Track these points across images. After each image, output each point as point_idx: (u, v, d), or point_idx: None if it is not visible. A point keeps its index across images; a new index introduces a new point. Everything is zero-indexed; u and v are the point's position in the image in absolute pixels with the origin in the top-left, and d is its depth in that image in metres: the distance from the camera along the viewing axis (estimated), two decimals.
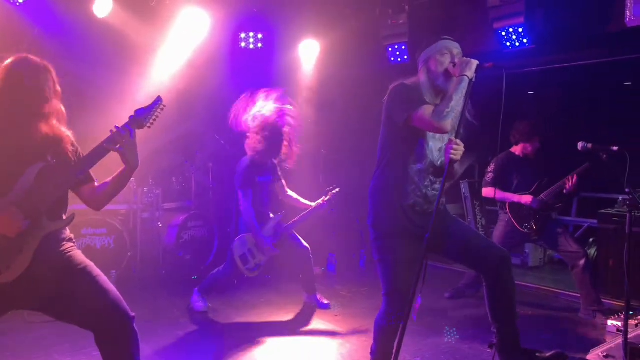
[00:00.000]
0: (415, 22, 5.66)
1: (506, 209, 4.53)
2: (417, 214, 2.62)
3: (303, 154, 6.10)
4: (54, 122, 2.24)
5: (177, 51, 5.81)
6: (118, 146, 2.25)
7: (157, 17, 5.56)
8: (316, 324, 4.19)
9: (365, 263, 6.12)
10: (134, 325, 2.27)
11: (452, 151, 2.43)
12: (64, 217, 2.31)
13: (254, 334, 3.93)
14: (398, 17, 5.75)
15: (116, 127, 2.26)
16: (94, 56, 5.34)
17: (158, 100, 2.41)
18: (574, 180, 4.27)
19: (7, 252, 2.09)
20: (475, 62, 2.47)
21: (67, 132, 2.32)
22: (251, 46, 6.21)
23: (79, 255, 2.31)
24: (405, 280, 2.51)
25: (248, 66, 6.39)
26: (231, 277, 4.42)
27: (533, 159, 4.60)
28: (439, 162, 2.67)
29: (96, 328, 2.23)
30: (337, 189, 4.48)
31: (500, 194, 4.49)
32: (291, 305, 4.62)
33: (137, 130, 2.32)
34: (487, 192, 4.58)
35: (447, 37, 2.70)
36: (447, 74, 2.59)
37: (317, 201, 4.48)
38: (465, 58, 2.53)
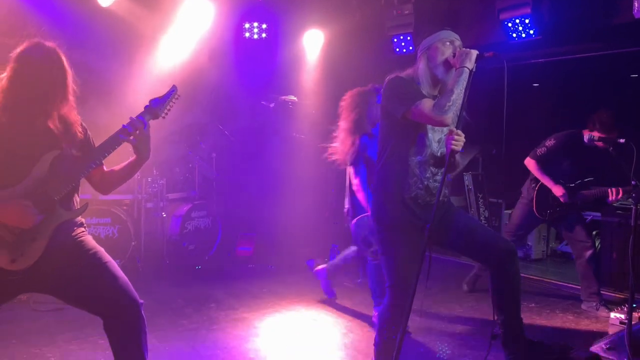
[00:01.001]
0: (421, 12, 5.62)
1: (536, 186, 4.36)
2: (420, 206, 2.61)
3: (308, 146, 6.12)
4: (68, 108, 2.25)
5: (181, 41, 5.80)
6: (132, 137, 2.26)
7: (161, 7, 5.55)
8: (319, 313, 4.21)
9: None
10: (142, 312, 2.29)
11: (452, 142, 2.42)
12: (77, 205, 2.33)
13: (256, 323, 3.95)
14: (403, 8, 5.72)
15: (131, 118, 2.27)
16: (97, 46, 5.33)
17: (173, 89, 2.41)
18: (619, 194, 4.08)
19: (21, 240, 2.11)
20: (475, 52, 2.44)
21: (78, 118, 2.33)
22: (255, 36, 6.18)
23: (90, 240, 2.33)
24: (409, 272, 2.51)
25: (252, 56, 6.36)
26: (361, 258, 4.18)
27: (597, 152, 4.13)
28: (439, 153, 2.65)
29: (105, 313, 2.24)
30: None
31: (540, 172, 4.27)
32: (294, 296, 4.64)
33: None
34: (530, 163, 4.33)
35: (448, 27, 2.66)
36: (447, 64, 2.56)
37: None
38: (465, 49, 2.50)
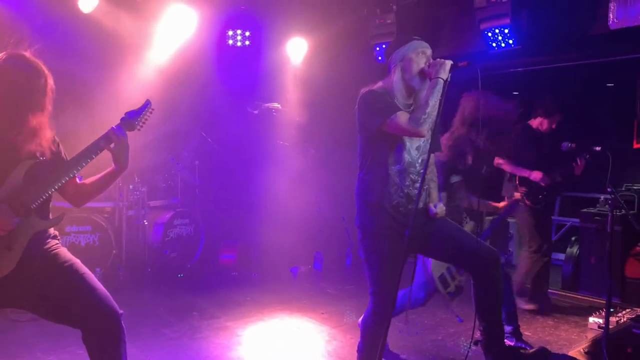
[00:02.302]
0: (403, 22, 5.69)
1: (517, 185, 4.44)
2: (401, 214, 2.64)
3: (291, 153, 6.12)
4: (44, 120, 2.23)
5: (163, 48, 5.77)
6: (112, 145, 2.26)
7: (143, 14, 5.52)
8: (303, 321, 4.21)
9: (352, 261, 6.15)
10: (122, 322, 2.27)
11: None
12: (50, 215, 2.30)
13: (240, 332, 3.93)
14: (386, 17, 5.78)
15: (112, 128, 2.28)
16: (78, 52, 5.28)
17: (147, 103, 2.44)
18: (582, 163, 4.22)
19: None
20: (449, 63, 2.48)
21: (52, 130, 2.30)
22: (238, 44, 6.18)
23: (64, 252, 2.30)
24: (391, 279, 2.53)
25: (235, 64, 6.36)
26: (426, 303, 3.57)
27: (543, 134, 4.50)
28: (419, 161, 2.69)
29: (83, 326, 2.21)
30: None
31: (512, 166, 4.40)
32: (277, 303, 4.62)
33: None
34: (501, 162, 4.45)
35: (417, 37, 2.69)
36: (422, 75, 2.60)
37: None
38: (439, 59, 2.53)
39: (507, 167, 4.45)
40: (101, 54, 5.48)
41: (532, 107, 4.54)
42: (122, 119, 2.36)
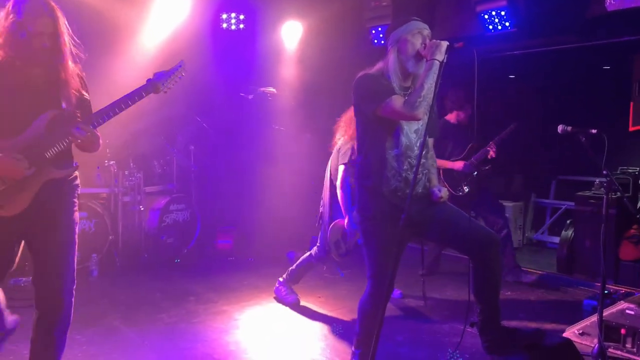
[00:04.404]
0: (399, 4, 5.63)
1: (440, 176, 4.69)
2: (400, 199, 2.63)
3: (287, 138, 6.10)
4: (71, 66, 2.29)
5: (157, 32, 5.70)
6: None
7: None
8: (300, 305, 4.22)
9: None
10: (66, 306, 2.36)
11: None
12: (70, 165, 2.38)
13: (237, 316, 3.95)
14: (381, 0, 5.72)
15: (126, 95, 2.36)
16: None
17: (180, 64, 2.43)
18: (493, 148, 4.64)
19: (10, 189, 2.22)
20: (445, 44, 2.45)
21: (82, 75, 2.39)
22: (232, 27, 6.12)
23: (69, 209, 2.38)
24: (389, 263, 2.53)
25: (229, 47, 6.30)
26: (325, 260, 4.24)
27: (466, 125, 4.83)
28: (417, 144, 2.67)
29: (37, 291, 2.34)
30: None
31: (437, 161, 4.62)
32: (274, 288, 4.63)
33: (115, 114, 2.36)
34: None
35: (416, 18, 2.66)
36: (418, 56, 2.57)
37: None
38: (435, 40, 2.50)
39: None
40: (94, 38, 5.39)
41: (444, 102, 4.86)
42: (148, 80, 2.36)
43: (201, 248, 5.88)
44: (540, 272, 5.19)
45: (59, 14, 2.26)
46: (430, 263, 4.97)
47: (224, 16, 6.07)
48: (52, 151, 2.24)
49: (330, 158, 4.15)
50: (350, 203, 3.91)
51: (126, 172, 5.34)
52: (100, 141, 2.39)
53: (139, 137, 5.69)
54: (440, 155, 4.59)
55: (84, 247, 4.91)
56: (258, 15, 6.24)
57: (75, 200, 2.41)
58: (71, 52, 2.31)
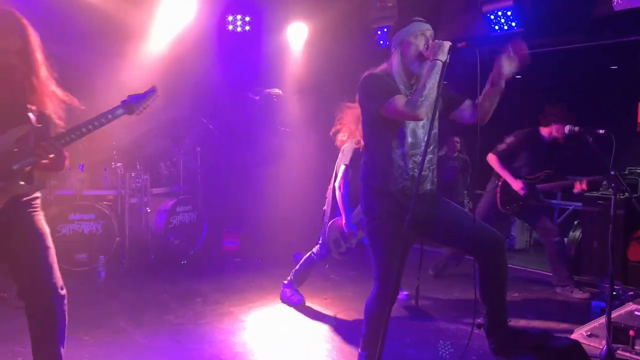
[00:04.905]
0: (404, 5, 5.63)
1: (499, 182, 4.58)
2: (408, 198, 2.61)
3: (293, 139, 6.10)
4: (44, 83, 2.27)
5: (163, 34, 5.73)
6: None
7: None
8: (306, 306, 4.22)
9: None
10: (62, 305, 2.33)
11: None
12: (35, 181, 2.35)
13: (243, 317, 3.96)
14: (387, 0, 5.72)
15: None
16: (77, 39, 5.24)
17: (152, 90, 2.48)
18: (583, 185, 4.32)
19: None
20: (447, 44, 2.44)
21: (57, 93, 2.35)
22: (238, 29, 6.14)
23: (38, 220, 2.36)
24: (395, 263, 2.53)
25: (235, 49, 6.32)
26: (327, 257, 4.19)
27: (558, 145, 4.50)
28: (424, 139, 2.64)
29: (25, 300, 2.31)
30: None
31: (500, 167, 4.50)
32: (280, 289, 4.64)
33: (124, 115, 2.37)
34: (491, 159, 4.57)
35: (419, 18, 2.65)
36: (421, 57, 2.56)
37: None
38: (437, 41, 2.49)
39: (494, 164, 4.54)
40: (101, 40, 5.45)
41: (541, 114, 4.58)
42: (123, 102, 2.38)
43: (208, 249, 5.90)
44: (548, 273, 5.17)
45: (31, 32, 2.24)
46: (445, 259, 4.95)
47: (230, 18, 6.09)
48: (20, 164, 2.20)
49: (338, 158, 4.15)
50: (348, 204, 3.92)
51: (133, 174, 5.36)
52: (67, 162, 2.33)
53: (145, 139, 5.72)
54: (511, 162, 4.50)
55: (92, 249, 4.94)
56: (264, 17, 6.26)
57: (39, 211, 2.39)
58: (47, 70, 2.28)
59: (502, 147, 4.53)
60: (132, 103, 2.38)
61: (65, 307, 2.35)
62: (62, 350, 2.38)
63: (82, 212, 4.92)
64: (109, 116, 2.36)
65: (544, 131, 4.54)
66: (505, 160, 4.50)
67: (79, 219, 4.89)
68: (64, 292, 2.34)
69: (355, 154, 3.94)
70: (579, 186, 4.32)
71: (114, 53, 5.48)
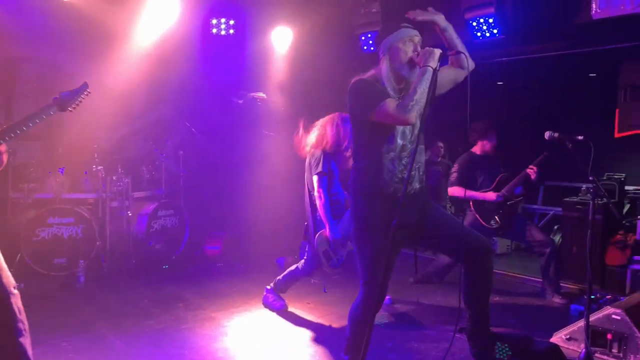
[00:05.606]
0: (388, 11, 5.67)
1: (470, 207, 4.64)
2: (398, 200, 2.61)
3: (276, 143, 6.09)
4: None
5: (146, 36, 5.68)
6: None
7: (126, 2, 5.42)
8: (289, 312, 4.21)
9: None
10: (12, 302, 2.32)
11: None
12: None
13: (225, 323, 3.93)
14: (370, 6, 5.76)
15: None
16: (59, 40, 5.18)
17: (84, 86, 2.50)
18: (534, 169, 4.42)
19: None
20: (438, 51, 2.47)
21: None
22: (222, 32, 6.11)
23: None
24: (382, 270, 2.53)
25: (219, 52, 6.30)
26: (312, 274, 4.15)
27: (492, 156, 4.72)
28: (412, 140, 2.66)
29: None
30: None
31: (468, 193, 4.59)
32: (262, 295, 4.62)
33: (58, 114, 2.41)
34: (454, 190, 4.65)
35: (407, 25, 2.68)
36: (411, 63, 2.59)
37: None
38: (428, 48, 2.52)
39: (459, 193, 4.59)
40: (82, 42, 5.38)
41: (468, 135, 4.73)
42: (54, 99, 2.40)
43: (190, 254, 5.84)
44: (529, 277, 5.23)
45: None
46: (431, 274, 4.93)
47: (214, 21, 6.06)
48: None
49: (305, 170, 4.08)
50: (330, 213, 3.88)
51: (114, 177, 5.29)
52: (5, 158, 2.32)
53: (127, 142, 5.65)
54: (470, 187, 4.58)
55: (71, 253, 4.86)
56: (248, 21, 6.24)
57: None
58: None
59: (454, 177, 4.65)
60: (64, 99, 2.40)
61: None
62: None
63: (62, 216, 4.84)
64: (43, 115, 2.37)
65: (476, 149, 4.74)
66: (466, 185, 4.57)
67: (58, 223, 4.81)
68: (15, 291, 2.35)
69: (327, 158, 3.92)
70: (532, 172, 4.43)
71: (96, 55, 5.41)
